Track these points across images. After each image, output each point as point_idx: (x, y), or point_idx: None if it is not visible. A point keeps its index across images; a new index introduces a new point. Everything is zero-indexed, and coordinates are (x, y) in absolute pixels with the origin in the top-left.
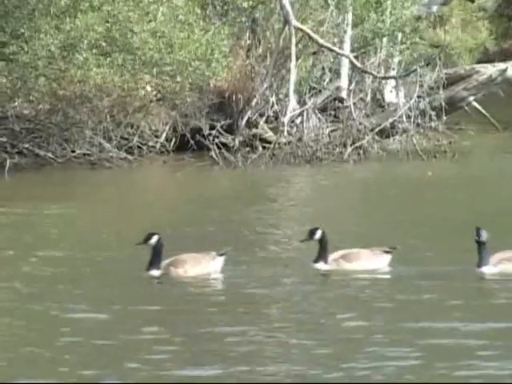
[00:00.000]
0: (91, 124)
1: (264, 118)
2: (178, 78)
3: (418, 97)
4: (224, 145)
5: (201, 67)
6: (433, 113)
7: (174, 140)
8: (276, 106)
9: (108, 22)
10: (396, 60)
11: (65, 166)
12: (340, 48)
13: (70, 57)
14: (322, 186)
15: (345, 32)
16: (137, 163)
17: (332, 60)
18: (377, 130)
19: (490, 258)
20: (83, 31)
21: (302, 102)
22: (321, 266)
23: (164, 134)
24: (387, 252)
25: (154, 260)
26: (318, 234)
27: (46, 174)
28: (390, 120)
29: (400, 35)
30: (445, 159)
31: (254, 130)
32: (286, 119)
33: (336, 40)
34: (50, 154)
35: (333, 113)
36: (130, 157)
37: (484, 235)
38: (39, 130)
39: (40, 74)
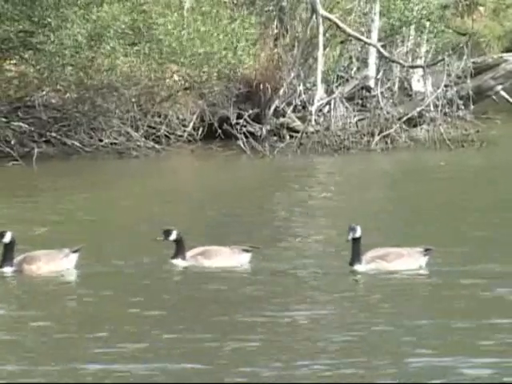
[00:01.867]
0: (119, 113)
1: (291, 107)
2: (205, 68)
3: (446, 86)
4: (251, 134)
5: (227, 56)
6: (460, 102)
7: (201, 129)
8: (303, 95)
9: (133, 12)
10: (423, 49)
11: (92, 155)
12: (367, 37)
13: (96, 46)
14: (349, 176)
15: (372, 21)
16: (164, 152)
17: (359, 49)
18: (404, 119)
19: (363, 256)
20: (110, 21)
21: (329, 91)
22: (178, 262)
23: (191, 123)
24: (246, 250)
25: (7, 256)
26: (174, 235)
27: (73, 163)
28: (418, 109)
29: (427, 24)
30: (472, 148)
31: (282, 119)
32: (313, 108)
33: (363, 29)
34: (77, 143)
35: (360, 102)
36: (157, 146)
37: (357, 232)
38: (66, 118)
39: (67, 63)
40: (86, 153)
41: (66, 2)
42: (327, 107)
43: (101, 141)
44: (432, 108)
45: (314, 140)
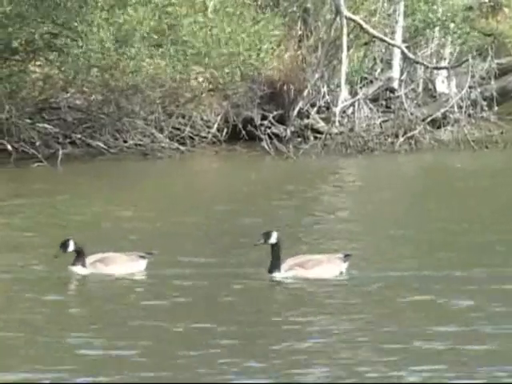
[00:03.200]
0: (143, 114)
1: (315, 109)
2: (226, 70)
3: (470, 87)
4: (275, 135)
5: (251, 58)
6: (484, 103)
7: (225, 130)
8: (327, 97)
9: (157, 15)
10: (448, 50)
11: (117, 156)
12: (391, 38)
13: (122, 49)
14: (373, 178)
15: (396, 22)
16: (189, 153)
17: (383, 50)
18: (428, 120)
19: (283, 264)
20: (135, 25)
21: (353, 93)
22: (78, 269)
23: (216, 125)
24: (143, 257)
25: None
26: (71, 246)
27: (97, 164)
28: (442, 110)
29: (452, 25)
30: (496, 149)
31: (306, 121)
32: (337, 109)
33: (387, 30)
34: (102, 145)
35: (384, 103)
36: (181, 147)
37: (273, 238)
38: (91, 120)
39: (92, 64)
40: (111, 154)
41: (90, 5)
42: (351, 108)
43: (125, 142)
44: (456, 109)
45: (338, 141)
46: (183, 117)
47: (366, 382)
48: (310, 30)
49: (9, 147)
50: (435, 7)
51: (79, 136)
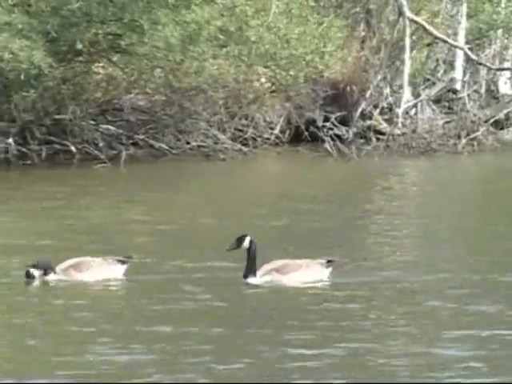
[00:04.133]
0: (206, 116)
1: (378, 110)
2: (291, 72)
3: None
4: (338, 136)
5: (314, 60)
6: None
7: (288, 132)
8: (390, 98)
9: (224, 15)
10: (511, 52)
11: (179, 157)
12: (454, 40)
13: (188, 48)
14: (435, 179)
15: (459, 23)
16: (251, 155)
17: (446, 51)
18: (491, 121)
19: (258, 269)
20: (202, 24)
21: (416, 94)
22: (51, 277)
23: (278, 126)
24: (122, 262)
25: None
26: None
27: (160, 165)
28: (505, 111)
29: None
30: None
31: (368, 122)
32: (400, 111)
33: (450, 31)
34: (164, 146)
35: (447, 104)
36: (244, 148)
37: (246, 243)
38: (154, 121)
39: (156, 65)
40: (173, 155)
41: (156, 4)
42: (414, 110)
43: (188, 143)
44: None
45: (401, 142)
46: (246, 118)
47: (366, 381)
48: (372, 31)
49: (72, 148)
50: (499, 9)
51: (142, 137)
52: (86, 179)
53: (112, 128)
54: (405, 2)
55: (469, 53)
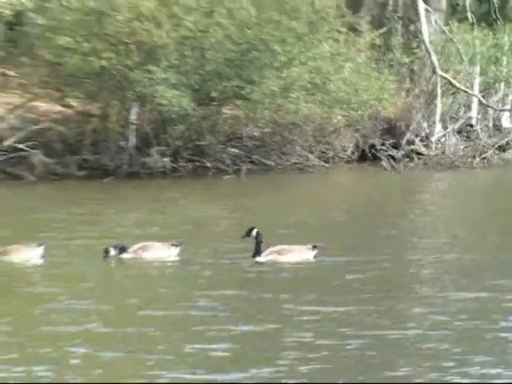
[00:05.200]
0: (300, 142)
1: (419, 138)
2: (359, 112)
3: None
4: (391, 156)
5: (375, 104)
6: None
7: (356, 153)
8: (427, 130)
9: (312, 72)
10: (510, 98)
11: (282, 171)
12: (471, 90)
13: (287, 95)
14: (459, 186)
15: (474, 78)
16: (331, 169)
17: (465, 98)
18: (496, 146)
19: (263, 251)
20: (296, 79)
21: (444, 127)
22: (124, 255)
23: (350, 149)
24: (175, 245)
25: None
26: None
27: (269, 176)
28: (506, 139)
29: None
30: None
31: (412, 146)
32: (433, 139)
33: (468, 84)
34: (272, 163)
35: (466, 134)
36: (326, 165)
37: (254, 233)
38: (264, 146)
39: (266, 107)
40: (278, 169)
41: (266, 65)
42: (443, 138)
43: (288, 161)
44: None
45: (434, 161)
46: (327, 143)
47: (366, 381)
48: (414, 84)
49: (208, 164)
50: (501, 68)
51: (256, 157)
52: (217, 186)
53: (236, 150)
54: (437, 64)
55: (481, 99)
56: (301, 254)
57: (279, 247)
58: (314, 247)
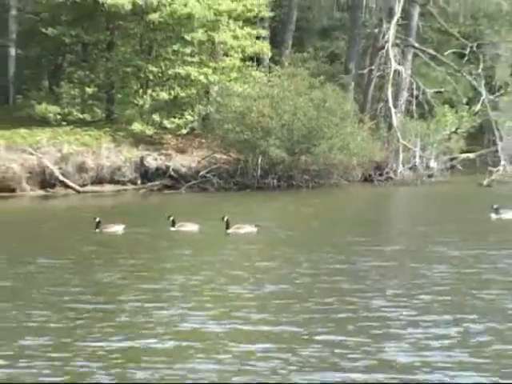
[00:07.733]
0: (337, 171)
1: (391, 170)
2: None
3: None
4: (378, 180)
5: (370, 155)
6: None
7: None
8: (394, 167)
9: (342, 141)
10: (430, 150)
11: (330, 186)
12: (415, 149)
13: (330, 151)
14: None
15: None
16: (350, 185)
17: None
18: (426, 175)
19: (231, 227)
20: (334, 143)
21: (403, 166)
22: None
23: (359, 175)
24: (257, 226)
25: None
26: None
27: (323, 189)
28: (431, 172)
29: None
30: None
31: (387, 175)
32: (398, 171)
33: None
34: (323, 181)
35: (412, 168)
36: (347, 182)
37: (225, 218)
38: (321, 175)
39: (320, 158)
40: (327, 185)
41: (321, 137)
42: (402, 171)
43: (329, 179)
44: None
45: (398, 182)
46: (347, 172)
47: (367, 381)
48: (389, 144)
49: (293, 183)
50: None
51: (316, 179)
52: (299, 195)
53: (306, 176)
54: (400, 136)
55: (420, 153)
56: (250, 229)
57: (239, 225)
58: (257, 226)
